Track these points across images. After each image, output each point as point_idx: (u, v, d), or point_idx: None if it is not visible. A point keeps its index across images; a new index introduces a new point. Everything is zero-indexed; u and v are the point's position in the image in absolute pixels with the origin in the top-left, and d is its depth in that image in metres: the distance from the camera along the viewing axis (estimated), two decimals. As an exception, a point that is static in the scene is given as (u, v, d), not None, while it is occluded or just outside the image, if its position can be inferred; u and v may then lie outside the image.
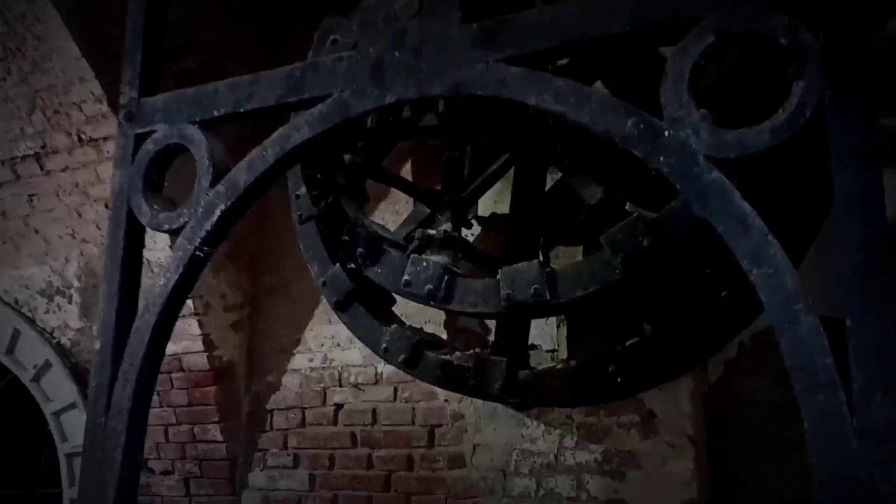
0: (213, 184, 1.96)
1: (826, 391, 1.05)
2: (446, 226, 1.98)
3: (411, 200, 3.37)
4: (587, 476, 2.85)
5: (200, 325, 3.79)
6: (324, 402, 3.77)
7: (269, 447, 3.89)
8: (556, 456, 2.92)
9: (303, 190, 2.33)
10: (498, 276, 1.75)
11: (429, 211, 2.53)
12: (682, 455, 2.64)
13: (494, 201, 3.05)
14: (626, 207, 1.71)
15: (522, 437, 2.99)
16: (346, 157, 2.20)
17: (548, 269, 1.68)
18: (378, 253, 1.96)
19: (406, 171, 3.60)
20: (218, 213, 1.94)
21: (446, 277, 1.81)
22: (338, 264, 2.28)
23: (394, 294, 1.99)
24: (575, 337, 2.81)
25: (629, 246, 1.58)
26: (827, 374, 1.06)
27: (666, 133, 1.33)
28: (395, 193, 3.58)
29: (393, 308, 2.39)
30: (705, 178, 1.27)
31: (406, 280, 1.85)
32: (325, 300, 3.82)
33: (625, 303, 1.94)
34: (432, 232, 1.92)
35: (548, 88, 1.46)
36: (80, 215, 3.95)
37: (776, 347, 2.71)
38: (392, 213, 3.53)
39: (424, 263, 1.84)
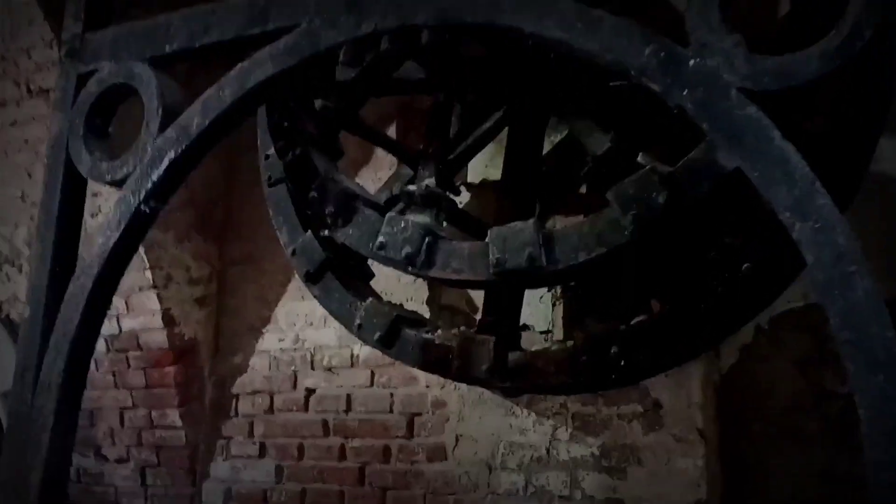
0: (161, 128, 1.82)
1: (888, 371, 0.89)
2: (429, 181, 1.81)
3: (396, 165, 3.22)
4: (582, 472, 2.69)
5: (160, 299, 3.63)
6: (294, 387, 3.63)
7: (233, 435, 3.75)
8: (547, 449, 2.77)
9: (272, 150, 2.22)
10: (487, 239, 1.59)
11: (413, 173, 2.37)
12: (691, 451, 2.48)
13: (486, 166, 2.89)
14: (639, 159, 1.54)
15: (511, 427, 2.83)
16: (318, 102, 2.03)
17: (544, 231, 1.52)
18: (350, 211, 1.80)
19: (390, 135, 3.43)
20: (167, 161, 1.79)
21: (427, 239, 1.65)
22: (309, 231, 2.14)
23: (368, 258, 1.82)
24: (572, 317, 2.65)
25: (642, 203, 1.41)
26: (888, 351, 0.90)
27: (691, 62, 1.17)
28: (378, 159, 3.42)
29: (371, 284, 2.25)
30: (738, 114, 1.11)
31: (381, 242, 1.70)
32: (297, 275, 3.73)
33: (632, 274, 1.79)
34: (412, 188, 1.75)
35: (550, 12, 1.29)
36: (30, 176, 3.75)
37: (798, 330, 2.55)
38: (374, 180, 3.36)
39: (402, 223, 1.69)
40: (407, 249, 1.66)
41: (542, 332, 2.78)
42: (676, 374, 2.43)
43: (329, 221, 1.84)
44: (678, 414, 2.52)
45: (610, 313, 2.18)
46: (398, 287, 3.20)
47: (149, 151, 1.80)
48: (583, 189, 2.58)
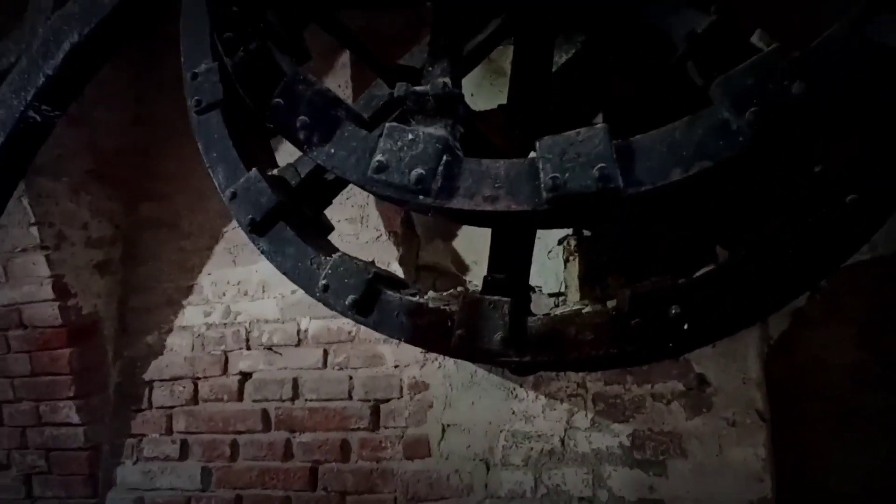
0: (59, 2, 1.42)
1: None
2: (444, 80, 1.47)
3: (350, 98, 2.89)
4: (609, 468, 2.42)
5: (50, 263, 3.23)
6: (224, 371, 3.32)
7: (146, 432, 3.45)
8: (562, 440, 2.50)
9: (203, 66, 1.88)
10: (533, 154, 1.28)
11: (390, 91, 2.07)
12: (750, 437, 2.23)
13: (471, 94, 2.56)
14: (753, 39, 1.25)
15: (514, 413, 2.54)
16: (280, -22, 1.67)
17: (618, 141, 1.22)
18: (332, 124, 1.46)
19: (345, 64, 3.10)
20: (67, 47, 1.41)
21: (445, 157, 1.33)
22: (255, 169, 1.81)
23: (360, 186, 1.48)
24: (589, 275, 2.37)
25: (767, 96, 1.12)
26: None
27: None
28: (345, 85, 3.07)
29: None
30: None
31: (380, 162, 1.36)
32: (227, 236, 3.36)
33: (715, 206, 1.51)
34: (423, 88, 1.40)
35: None
36: None
37: (861, 289, 2.33)
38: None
39: (410, 136, 1.36)
40: (418, 171, 1.33)
41: (551, 295, 2.50)
42: (725, 344, 2.19)
43: (301, 138, 1.49)
44: (731, 392, 2.27)
45: (650, 267, 1.93)
46: (356, 245, 2.87)
47: (39, 34, 1.41)
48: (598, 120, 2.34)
